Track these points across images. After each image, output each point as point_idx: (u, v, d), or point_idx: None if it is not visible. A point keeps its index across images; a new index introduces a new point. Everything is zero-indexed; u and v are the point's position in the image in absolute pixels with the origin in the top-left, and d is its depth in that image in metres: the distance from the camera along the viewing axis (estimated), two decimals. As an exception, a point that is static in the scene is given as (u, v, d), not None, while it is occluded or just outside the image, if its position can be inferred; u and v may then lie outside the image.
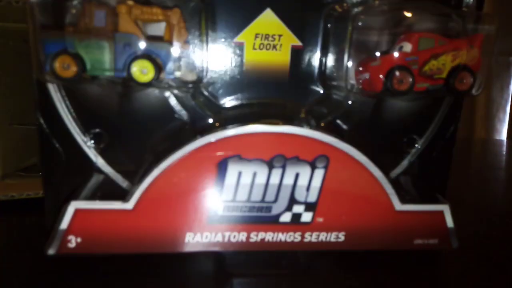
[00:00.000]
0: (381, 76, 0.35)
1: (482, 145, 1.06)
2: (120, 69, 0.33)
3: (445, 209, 0.37)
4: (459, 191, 0.58)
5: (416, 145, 0.42)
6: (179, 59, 0.35)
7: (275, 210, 0.35)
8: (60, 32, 0.32)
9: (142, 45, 0.33)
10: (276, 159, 0.34)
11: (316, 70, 0.39)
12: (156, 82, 0.33)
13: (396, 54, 0.35)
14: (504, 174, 0.71)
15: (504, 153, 0.92)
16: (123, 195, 0.35)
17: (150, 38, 0.33)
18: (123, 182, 0.39)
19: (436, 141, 0.42)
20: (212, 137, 0.34)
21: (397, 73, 0.35)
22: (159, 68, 0.33)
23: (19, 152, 0.53)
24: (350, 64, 0.37)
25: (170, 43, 0.34)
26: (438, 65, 0.35)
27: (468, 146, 0.99)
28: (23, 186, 0.48)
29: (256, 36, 0.38)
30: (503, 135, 1.21)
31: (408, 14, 0.37)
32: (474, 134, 1.21)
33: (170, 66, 0.34)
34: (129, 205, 0.34)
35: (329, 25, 0.38)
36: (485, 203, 0.56)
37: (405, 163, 0.42)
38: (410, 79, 0.35)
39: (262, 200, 0.35)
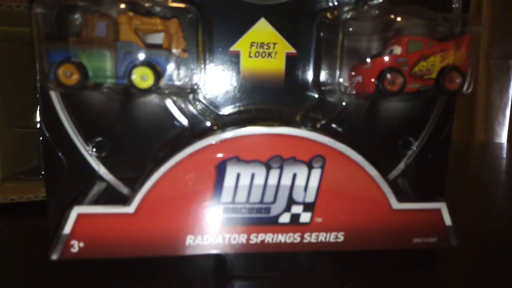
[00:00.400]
0: (372, 78, 0.37)
1: (481, 148, 1.06)
2: (121, 76, 0.34)
3: (442, 207, 0.37)
4: (459, 194, 0.58)
5: (412, 147, 0.43)
6: (178, 67, 0.36)
7: (274, 211, 0.36)
8: (64, 42, 0.33)
9: (142, 53, 0.34)
10: (274, 160, 0.35)
11: (310, 76, 0.41)
12: (155, 88, 0.35)
13: (386, 57, 0.37)
14: (504, 177, 0.71)
15: (504, 156, 0.92)
16: (125, 202, 0.36)
17: (149, 46, 0.35)
18: (125, 189, 0.40)
19: (432, 142, 0.43)
20: (210, 140, 0.35)
21: (388, 75, 0.36)
22: (158, 74, 0.35)
23: (19, 155, 0.54)
24: (343, 68, 0.39)
25: (169, 50, 0.35)
26: (428, 66, 0.37)
27: (468, 149, 1.00)
28: (22, 189, 0.49)
29: (252, 44, 0.39)
30: (503, 139, 1.21)
31: (398, 19, 0.38)
32: (474, 138, 1.21)
33: (169, 72, 0.35)
34: (131, 209, 0.35)
35: (321, 34, 0.40)
36: (485, 206, 0.56)
37: (401, 166, 0.43)
38: (401, 80, 0.37)
39: (261, 201, 0.36)
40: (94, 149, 0.39)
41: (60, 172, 0.39)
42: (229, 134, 0.35)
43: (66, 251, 0.34)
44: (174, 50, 0.35)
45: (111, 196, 0.39)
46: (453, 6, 0.40)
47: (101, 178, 0.40)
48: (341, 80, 0.39)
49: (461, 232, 0.38)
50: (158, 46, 0.35)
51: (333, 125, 0.41)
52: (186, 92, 0.38)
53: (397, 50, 0.37)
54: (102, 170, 0.40)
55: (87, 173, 0.39)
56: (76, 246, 0.34)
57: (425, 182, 0.43)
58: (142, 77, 0.34)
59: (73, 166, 0.39)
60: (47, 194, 0.39)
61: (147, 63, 0.34)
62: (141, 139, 0.40)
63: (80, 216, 0.34)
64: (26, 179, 0.53)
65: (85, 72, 0.33)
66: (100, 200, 0.38)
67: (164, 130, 0.40)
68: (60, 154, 0.39)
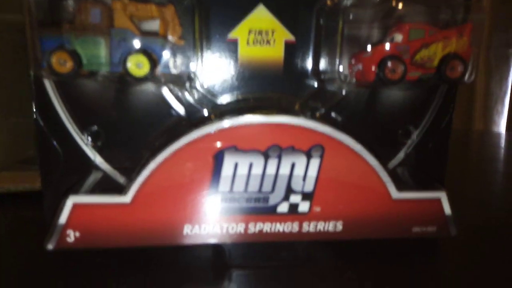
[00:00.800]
0: (373, 66, 0.36)
1: (480, 137, 1.06)
2: (116, 64, 0.33)
3: (442, 196, 0.37)
4: (457, 183, 0.58)
5: (412, 136, 0.42)
6: (174, 54, 0.36)
7: (272, 201, 0.36)
8: (57, 29, 0.32)
9: (137, 40, 0.33)
10: (272, 149, 0.35)
11: (310, 64, 0.40)
12: (151, 76, 0.34)
13: (387, 44, 0.36)
14: (503, 166, 0.71)
15: (503, 145, 0.92)
16: (122, 191, 0.35)
17: (145, 33, 0.34)
18: (121, 179, 0.39)
19: (432, 131, 0.42)
20: (208, 129, 0.34)
21: (389, 63, 0.36)
22: (154, 62, 0.34)
23: (16, 145, 0.53)
24: (343, 56, 0.38)
25: (164, 38, 0.34)
26: (429, 54, 0.36)
27: (467, 138, 1.00)
28: (19, 179, 0.49)
29: (250, 32, 0.38)
30: (502, 128, 1.21)
31: (399, 6, 0.37)
32: (473, 127, 1.21)
33: (165, 60, 0.34)
34: (127, 198, 0.34)
35: (321, 21, 0.39)
36: (483, 195, 0.56)
37: (401, 155, 0.43)
38: (402, 68, 0.36)
39: (259, 191, 0.35)
40: (90, 138, 0.38)
41: (56, 161, 0.38)
42: (227, 123, 0.34)
43: (62, 240, 0.34)
44: (170, 37, 0.35)
45: (107, 186, 0.38)
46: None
47: (97, 168, 0.39)
48: (341, 68, 0.38)
49: (460, 221, 0.38)
50: (153, 33, 0.34)
51: (333, 114, 0.40)
52: (183, 81, 0.37)
53: (398, 37, 0.36)
54: (98, 159, 0.39)
55: (83, 162, 0.39)
56: (72, 235, 0.34)
57: (425, 171, 0.43)
58: (137, 65, 0.33)
59: (68, 156, 0.39)
60: (43, 184, 0.39)
61: (142, 51, 0.33)
62: (137, 128, 0.39)
63: (75, 206, 0.34)
64: (23, 168, 0.52)
65: (79, 59, 0.33)
66: (96, 189, 0.38)
67: (160, 119, 0.39)
68: (55, 143, 0.38)
